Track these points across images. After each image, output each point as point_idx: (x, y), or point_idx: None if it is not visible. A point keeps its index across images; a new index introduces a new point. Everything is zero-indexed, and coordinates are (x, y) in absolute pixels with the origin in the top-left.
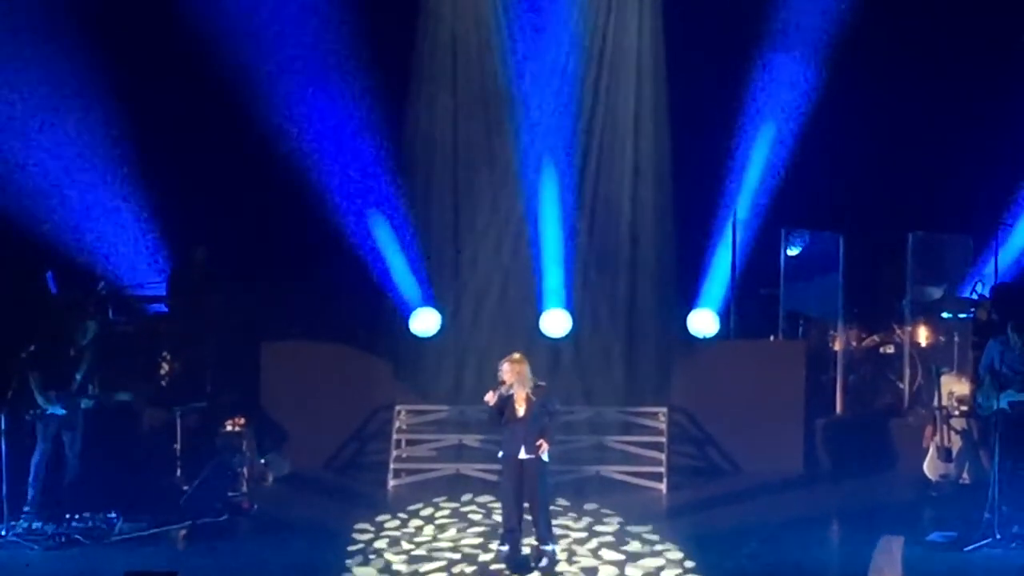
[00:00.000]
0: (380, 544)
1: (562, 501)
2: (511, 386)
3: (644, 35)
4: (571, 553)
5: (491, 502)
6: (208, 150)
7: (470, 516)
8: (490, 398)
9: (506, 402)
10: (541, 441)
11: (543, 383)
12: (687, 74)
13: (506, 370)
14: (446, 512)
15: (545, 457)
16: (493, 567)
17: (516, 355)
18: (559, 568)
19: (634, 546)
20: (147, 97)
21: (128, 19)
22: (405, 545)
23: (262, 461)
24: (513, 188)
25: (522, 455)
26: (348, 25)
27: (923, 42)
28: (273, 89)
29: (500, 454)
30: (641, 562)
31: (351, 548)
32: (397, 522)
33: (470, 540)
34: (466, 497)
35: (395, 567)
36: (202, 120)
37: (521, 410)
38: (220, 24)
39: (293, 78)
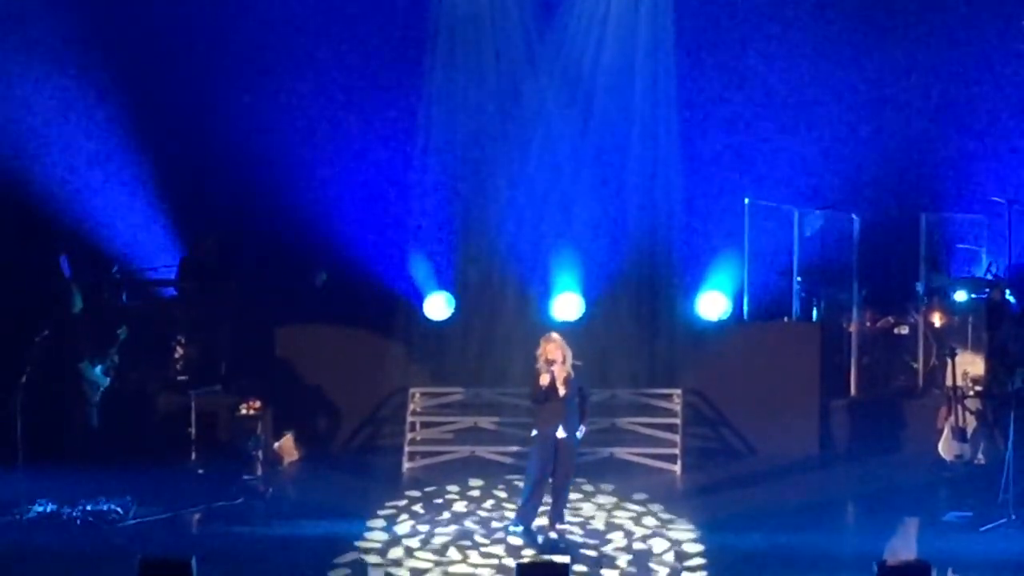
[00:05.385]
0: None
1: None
2: (561, 363)
3: (658, 9)
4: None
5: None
6: (220, 135)
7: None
8: (545, 380)
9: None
10: (582, 426)
11: (579, 362)
12: (699, 52)
13: (552, 349)
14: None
15: (579, 436)
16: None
17: (554, 334)
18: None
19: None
20: (160, 84)
21: (137, 6)
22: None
23: (277, 445)
24: (526, 170)
25: (560, 434)
26: (362, 12)
27: (937, 20)
28: (285, 76)
29: (534, 432)
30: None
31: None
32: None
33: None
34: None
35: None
36: (214, 106)
37: (562, 390)
38: (232, 11)
39: (305, 67)
